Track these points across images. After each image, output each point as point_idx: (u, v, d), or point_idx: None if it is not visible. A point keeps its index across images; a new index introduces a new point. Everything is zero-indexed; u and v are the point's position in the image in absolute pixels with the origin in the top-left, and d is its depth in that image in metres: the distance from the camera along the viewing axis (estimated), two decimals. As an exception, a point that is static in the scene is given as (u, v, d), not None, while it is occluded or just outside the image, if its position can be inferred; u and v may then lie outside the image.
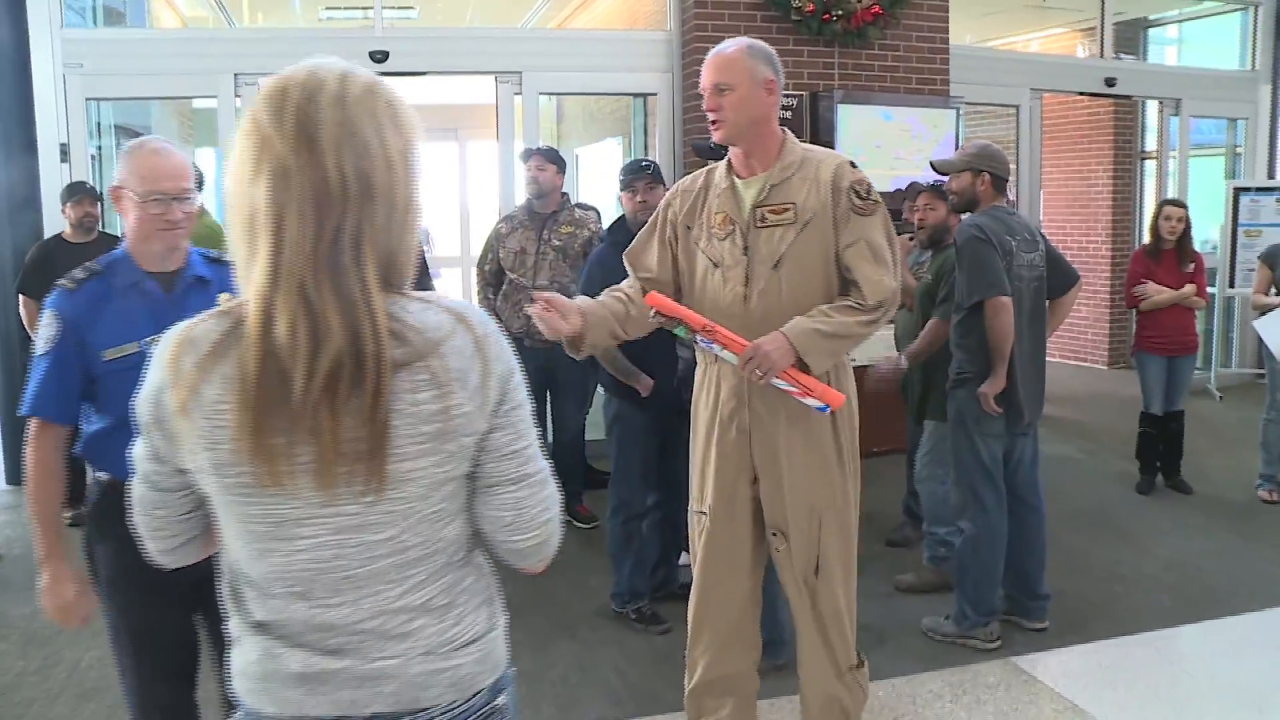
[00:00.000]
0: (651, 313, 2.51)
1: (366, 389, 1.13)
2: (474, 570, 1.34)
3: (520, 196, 5.22)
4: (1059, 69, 8.34)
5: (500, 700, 1.35)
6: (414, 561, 1.24)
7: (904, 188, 5.22)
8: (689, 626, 2.78)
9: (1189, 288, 5.49)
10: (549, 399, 5.15)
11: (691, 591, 2.76)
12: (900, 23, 6.53)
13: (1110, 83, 8.08)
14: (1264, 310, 5.33)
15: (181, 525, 1.30)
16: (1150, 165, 9.56)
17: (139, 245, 2.15)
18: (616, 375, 3.85)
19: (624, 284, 2.73)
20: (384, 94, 1.21)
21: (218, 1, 8.16)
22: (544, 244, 4.93)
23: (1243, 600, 4.13)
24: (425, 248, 12.21)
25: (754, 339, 2.43)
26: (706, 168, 2.72)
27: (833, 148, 5.62)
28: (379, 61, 6.02)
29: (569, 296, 2.56)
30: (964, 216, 3.85)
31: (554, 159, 5.02)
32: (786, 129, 2.63)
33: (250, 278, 1.15)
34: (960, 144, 6.27)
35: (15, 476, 5.70)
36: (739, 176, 2.60)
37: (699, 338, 2.47)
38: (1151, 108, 9.34)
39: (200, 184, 3.11)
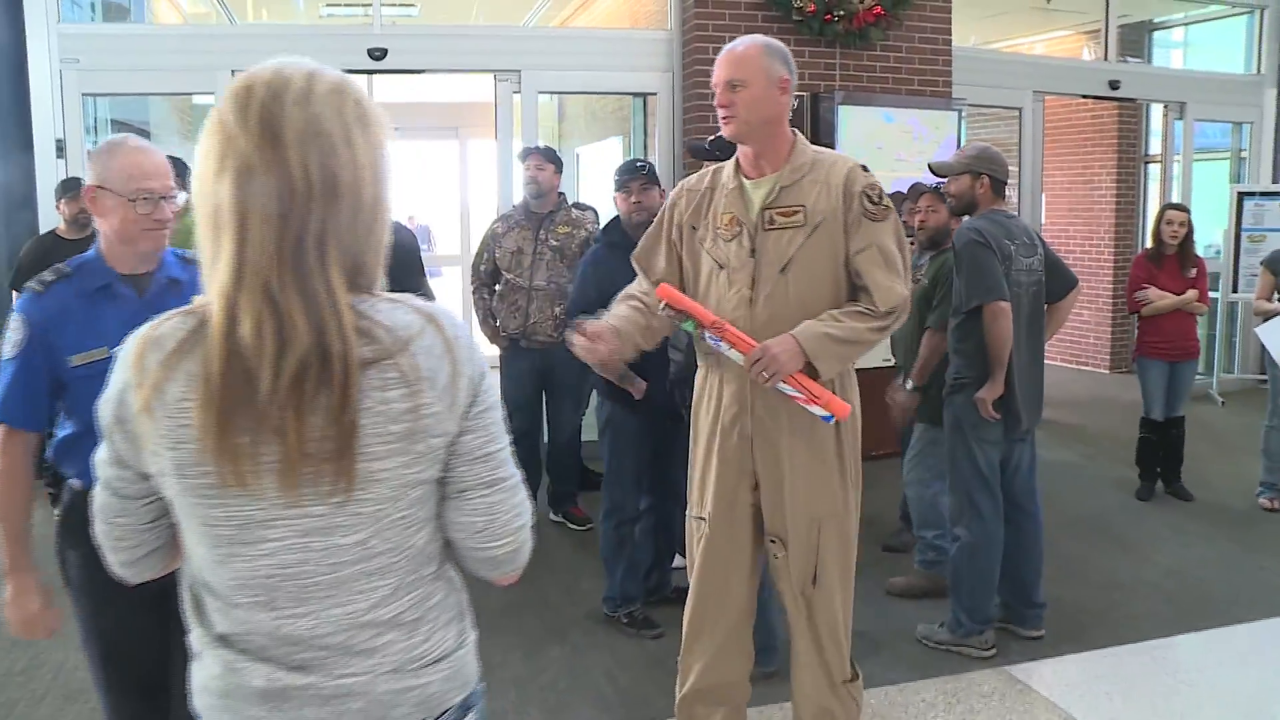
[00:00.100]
0: (661, 305, 2.46)
1: (334, 388, 1.11)
2: (444, 585, 1.31)
3: (519, 196, 5.18)
4: (1062, 71, 8.29)
5: (470, 718, 1.32)
6: (382, 570, 1.21)
7: (905, 189, 5.18)
8: (684, 632, 2.74)
9: (1191, 293, 5.45)
10: (545, 400, 5.13)
11: (688, 598, 2.72)
12: (902, 24, 6.49)
13: (1114, 85, 8.03)
14: (1267, 316, 5.29)
15: (144, 535, 1.26)
16: (1154, 169, 9.51)
17: (118, 247, 2.09)
18: (610, 378, 3.81)
19: (635, 287, 2.68)
20: (352, 93, 1.19)
21: (219, -2, 8.14)
22: (541, 244, 4.90)
23: (1243, 609, 4.09)
24: (425, 247, 12.24)
25: (761, 341, 2.39)
26: (713, 167, 2.67)
27: (833, 149, 5.58)
28: (377, 59, 6.00)
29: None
30: (963, 220, 3.81)
31: (552, 158, 4.99)
32: (797, 130, 2.58)
33: (214, 276, 1.13)
34: (962, 146, 6.23)
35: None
36: (747, 177, 2.55)
37: (707, 334, 2.41)
38: (1156, 111, 9.29)
39: (185, 178, 3.07)
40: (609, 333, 2.47)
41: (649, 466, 3.89)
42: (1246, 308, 7.89)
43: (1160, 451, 5.63)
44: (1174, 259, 5.51)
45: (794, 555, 2.56)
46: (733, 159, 2.59)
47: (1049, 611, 3.85)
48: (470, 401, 1.22)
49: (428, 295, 5.91)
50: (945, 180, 3.84)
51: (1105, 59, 8.33)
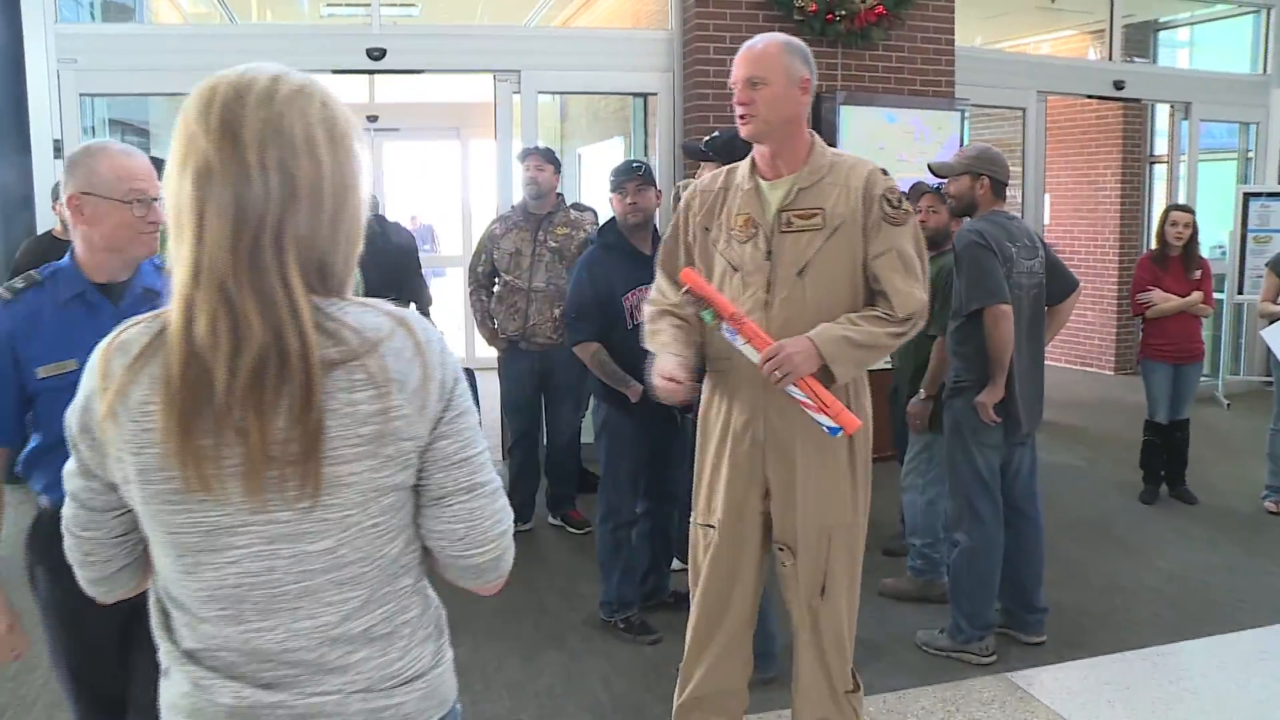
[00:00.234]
0: (684, 289, 2.40)
1: (295, 388, 1.09)
2: (420, 601, 1.28)
3: (518, 196, 5.15)
4: (1066, 71, 8.24)
5: None
6: (353, 580, 1.18)
7: (906, 190, 5.14)
8: (688, 640, 2.69)
9: (1195, 294, 5.40)
10: (544, 402, 5.10)
11: (693, 605, 2.68)
12: (905, 23, 6.45)
13: (1119, 86, 7.98)
14: (1272, 319, 5.24)
15: (114, 551, 1.24)
16: (1160, 170, 9.45)
17: (100, 255, 2.02)
18: (606, 381, 3.78)
19: (662, 299, 2.62)
20: (318, 94, 1.17)
21: (220, -2, 8.13)
22: (540, 245, 4.86)
23: (1247, 615, 4.04)
24: (427, 247, 12.23)
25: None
26: (726, 167, 2.61)
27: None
28: (376, 59, 5.97)
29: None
30: (963, 221, 3.77)
31: (551, 159, 4.96)
32: (814, 131, 2.53)
33: (176, 277, 1.12)
34: (963, 147, 6.18)
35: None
36: (764, 178, 2.49)
37: (725, 326, 2.35)
38: (1162, 111, 9.24)
39: None
40: (678, 367, 2.41)
41: (645, 470, 3.86)
42: (1252, 309, 7.83)
43: (1164, 454, 5.59)
44: (1178, 260, 5.46)
45: (803, 565, 2.52)
46: (748, 159, 2.54)
47: (1050, 617, 3.81)
48: (443, 406, 1.20)
49: (425, 296, 5.90)
50: (945, 181, 3.79)
51: (1110, 59, 8.27)
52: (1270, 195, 8.11)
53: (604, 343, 3.80)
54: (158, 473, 1.11)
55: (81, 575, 1.27)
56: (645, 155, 6.74)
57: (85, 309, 2.02)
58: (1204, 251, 5.68)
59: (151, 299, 1.96)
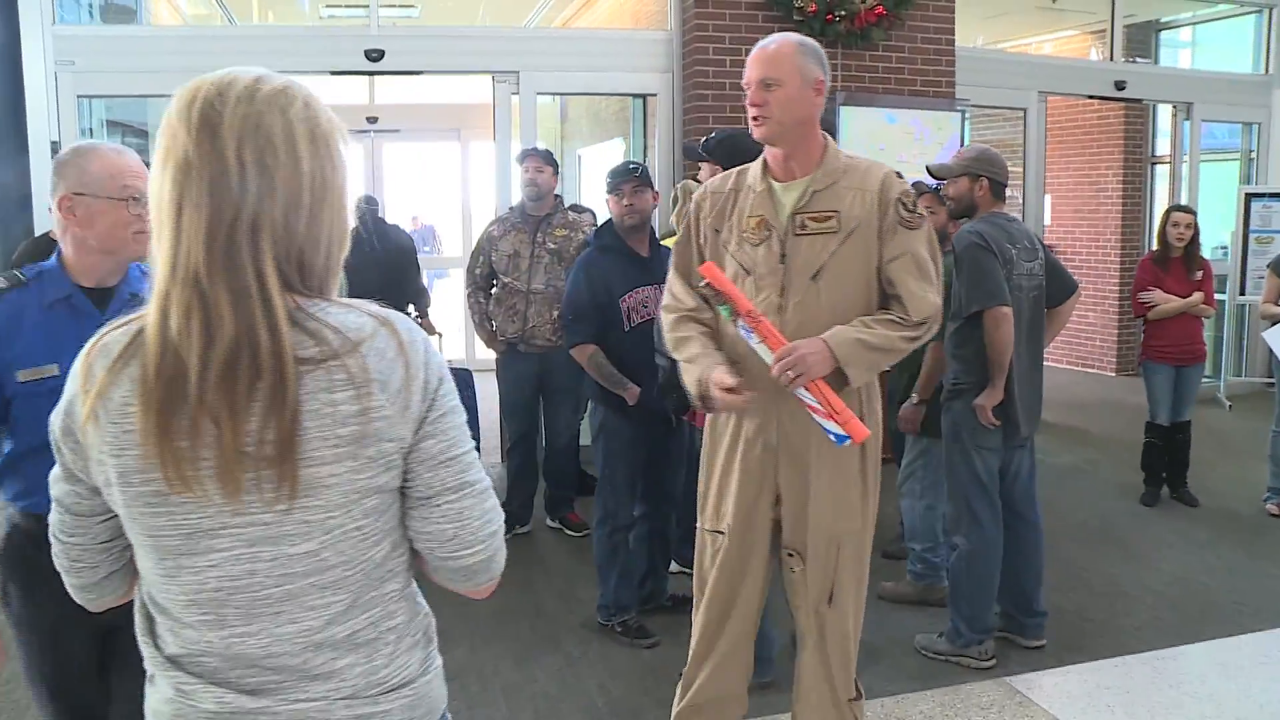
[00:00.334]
0: (703, 282, 2.37)
1: (267, 385, 1.08)
2: (408, 608, 1.27)
3: (517, 198, 5.13)
4: (1067, 72, 8.21)
5: None
6: (335, 584, 1.17)
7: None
8: (694, 645, 2.66)
9: (1196, 295, 5.38)
10: (542, 405, 5.08)
11: (699, 611, 2.64)
12: (905, 24, 6.42)
13: (1120, 86, 7.95)
14: (1274, 320, 5.22)
15: (100, 556, 1.24)
16: (1162, 170, 9.43)
17: (93, 257, 1.97)
18: (603, 383, 3.77)
19: (682, 308, 2.56)
20: (300, 95, 1.18)
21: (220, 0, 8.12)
22: (538, 247, 4.85)
23: (1249, 618, 4.02)
24: (426, 248, 12.23)
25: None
26: (737, 169, 2.58)
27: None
28: (374, 60, 5.95)
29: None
30: (962, 223, 3.75)
31: (550, 160, 4.95)
32: (827, 134, 2.50)
33: (155, 273, 1.13)
34: (962, 148, 6.16)
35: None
36: (776, 179, 2.46)
37: (741, 323, 2.32)
38: (1163, 112, 9.21)
39: None
40: (732, 374, 2.35)
41: (643, 473, 3.84)
42: (1254, 310, 7.81)
43: (1166, 456, 5.56)
44: (1179, 261, 5.44)
45: (811, 572, 2.49)
46: (759, 160, 2.50)
47: (1050, 620, 3.79)
48: (427, 406, 1.19)
49: (424, 297, 5.89)
50: (944, 182, 3.77)
51: (1111, 59, 8.25)
52: (1272, 196, 8.08)
53: (601, 345, 3.78)
54: (137, 475, 1.11)
55: (69, 582, 1.27)
56: (645, 156, 6.73)
57: (70, 313, 1.97)
58: (1206, 252, 5.66)
59: (139, 306, 1.99)
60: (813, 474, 2.45)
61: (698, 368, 2.44)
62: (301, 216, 1.15)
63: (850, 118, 6.20)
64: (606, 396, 3.78)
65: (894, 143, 6.30)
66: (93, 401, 1.12)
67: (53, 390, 1.65)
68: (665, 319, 2.61)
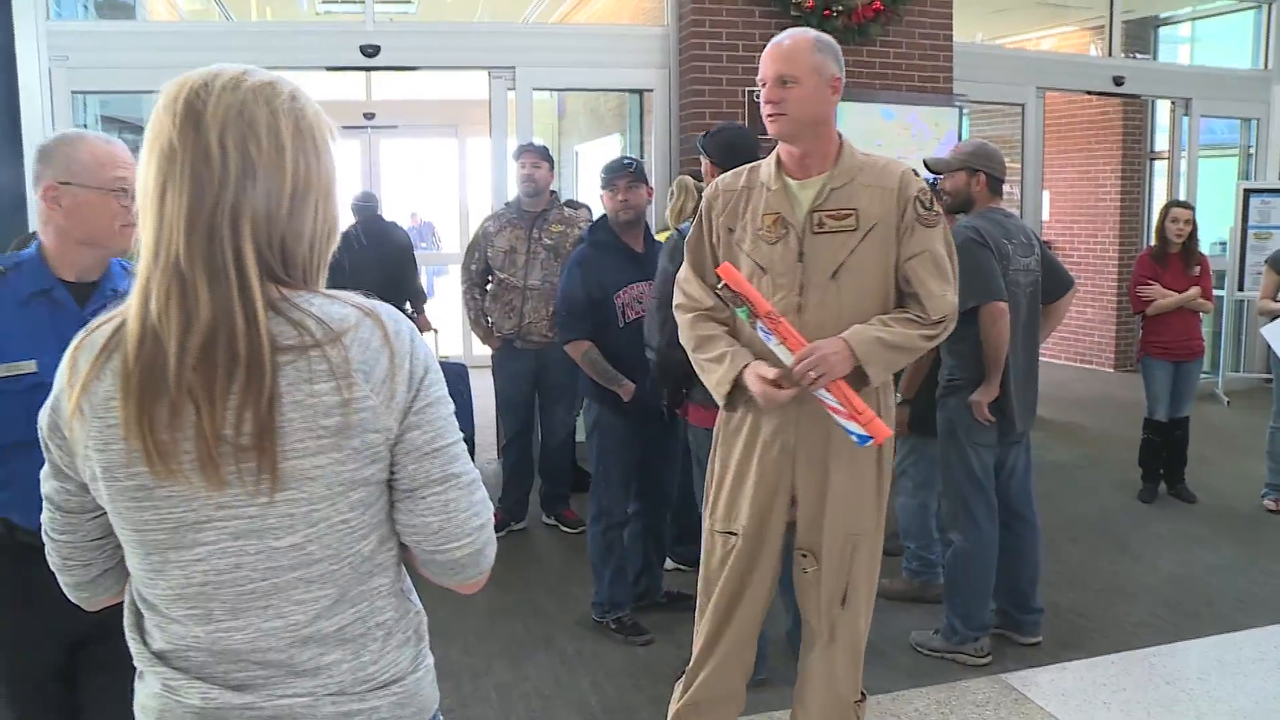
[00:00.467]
0: (720, 284, 2.33)
1: (243, 370, 1.08)
2: (397, 604, 1.26)
3: (514, 194, 5.12)
4: (1066, 67, 8.20)
5: None
6: (322, 578, 1.17)
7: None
8: (698, 645, 2.63)
9: (1194, 290, 5.36)
10: (538, 401, 5.06)
11: (706, 611, 2.60)
12: (902, 19, 6.40)
13: (1118, 81, 7.93)
14: (1272, 316, 5.20)
15: (92, 554, 1.25)
16: (1160, 166, 9.41)
17: (75, 250, 1.91)
18: (598, 380, 3.75)
19: (690, 299, 2.52)
20: (286, 88, 1.18)
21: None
22: (535, 243, 4.83)
23: (1246, 616, 4.00)
24: (422, 244, 12.21)
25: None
26: (748, 165, 2.54)
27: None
28: (370, 56, 5.93)
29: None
30: (959, 218, 3.73)
31: (546, 156, 4.93)
32: (840, 131, 2.46)
33: (140, 260, 1.14)
34: (959, 143, 6.15)
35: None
36: (792, 177, 2.42)
37: (760, 324, 2.29)
38: (1162, 107, 9.19)
39: None
40: (770, 369, 2.32)
41: (637, 470, 3.82)
42: (1252, 306, 7.79)
43: (1164, 452, 5.55)
44: (1178, 257, 5.42)
45: (826, 572, 2.47)
46: (772, 156, 2.46)
47: (1047, 617, 3.78)
48: (412, 396, 1.18)
49: (421, 292, 5.88)
50: (941, 177, 3.76)
51: (1110, 55, 8.23)
52: (1271, 191, 8.07)
53: (596, 341, 3.76)
54: (122, 469, 1.11)
55: (63, 580, 1.28)
56: (642, 152, 6.71)
57: (49, 307, 1.90)
58: (1204, 248, 5.66)
59: (121, 303, 1.93)
60: (831, 475, 2.42)
61: (727, 365, 2.39)
62: (284, 205, 1.15)
63: (847, 113, 6.17)
64: (601, 393, 3.76)
65: (891, 139, 6.28)
66: (77, 396, 1.12)
67: (30, 388, 1.63)
68: (683, 318, 2.55)
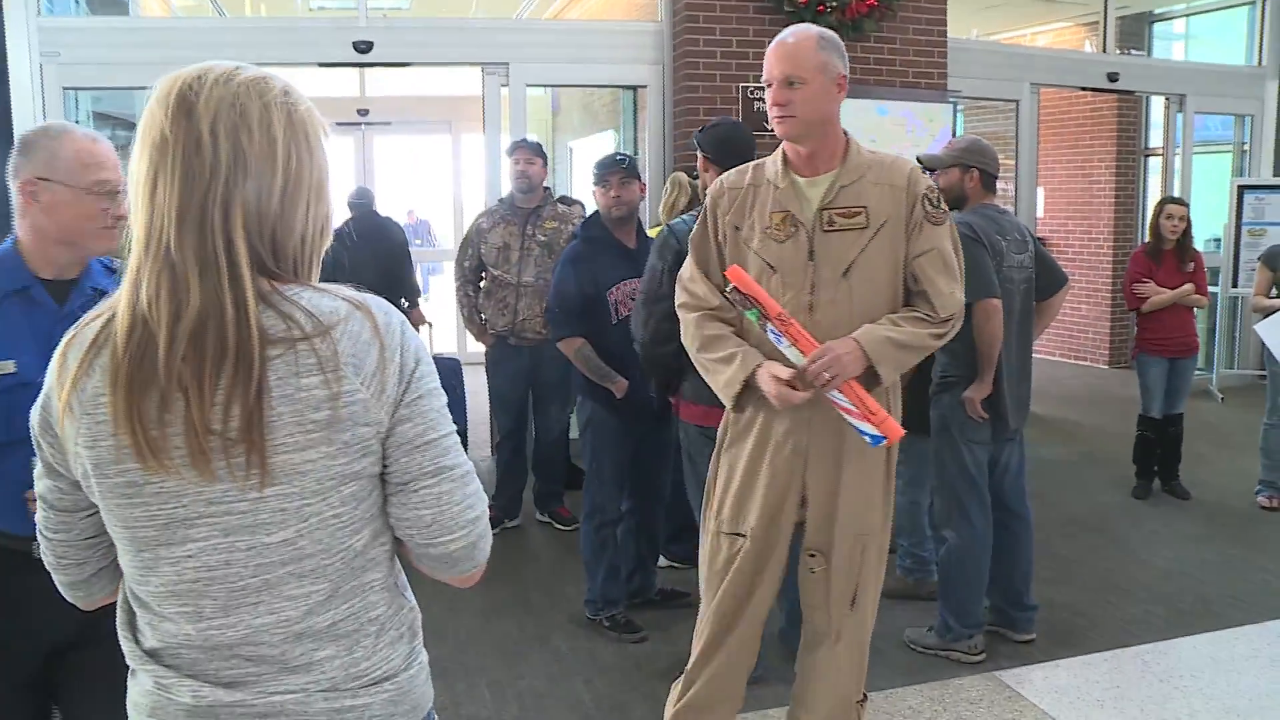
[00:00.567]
0: (729, 287, 2.30)
1: (231, 359, 1.08)
2: (391, 599, 1.25)
3: (507, 190, 5.10)
4: (1060, 63, 8.20)
5: None
6: (314, 573, 1.16)
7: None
8: (700, 647, 2.59)
9: (1188, 286, 5.36)
10: (532, 398, 5.05)
11: (707, 614, 2.58)
12: (896, 15, 6.39)
13: (1113, 78, 7.93)
14: (1265, 313, 5.20)
15: (86, 553, 1.25)
16: (1154, 162, 9.42)
17: (52, 249, 1.85)
18: (591, 376, 3.74)
19: (694, 297, 2.48)
20: (279, 84, 1.19)
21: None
22: (528, 239, 4.82)
23: (1240, 612, 4.00)
24: (418, 242, 12.19)
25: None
26: (754, 163, 2.51)
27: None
28: (363, 52, 5.91)
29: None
30: (952, 215, 3.72)
31: (540, 153, 4.93)
32: (845, 128, 2.44)
33: (131, 251, 1.14)
34: (952, 139, 6.14)
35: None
36: (799, 175, 2.39)
37: (770, 327, 2.26)
38: (1157, 104, 9.20)
39: None
40: (784, 369, 2.29)
41: (630, 467, 3.81)
42: (1246, 303, 7.80)
43: (1158, 449, 5.55)
44: (1172, 254, 5.42)
45: (835, 572, 2.45)
46: (777, 154, 2.44)
47: (1041, 614, 3.76)
48: (403, 389, 1.18)
49: (415, 287, 5.87)
50: (934, 173, 3.75)
51: (1104, 51, 8.23)
52: (1265, 188, 8.07)
53: (589, 338, 3.75)
54: (112, 465, 1.11)
55: (58, 579, 1.29)
56: (636, 148, 6.69)
57: (26, 306, 1.84)
58: (1198, 245, 5.66)
59: (103, 300, 1.87)
60: (844, 475, 2.40)
61: (738, 365, 2.35)
62: (275, 197, 1.15)
63: (841, 109, 6.15)
64: (594, 390, 3.75)
65: (885, 134, 6.26)
66: (67, 393, 1.12)
67: (8, 389, 1.60)
68: (687, 317, 2.50)
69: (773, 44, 2.38)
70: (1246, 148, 8.89)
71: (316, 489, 1.13)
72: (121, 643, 1.22)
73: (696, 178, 3.77)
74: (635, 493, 3.88)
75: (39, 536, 1.26)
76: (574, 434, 5.15)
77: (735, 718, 2.73)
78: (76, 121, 6.06)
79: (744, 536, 2.48)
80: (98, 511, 1.19)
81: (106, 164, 1.85)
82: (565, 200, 5.15)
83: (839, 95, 2.37)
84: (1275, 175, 8.55)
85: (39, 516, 1.25)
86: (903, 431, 2.27)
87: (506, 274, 4.83)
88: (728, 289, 2.32)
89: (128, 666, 1.23)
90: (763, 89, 2.42)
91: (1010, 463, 3.68)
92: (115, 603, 1.27)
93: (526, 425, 5.15)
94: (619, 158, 3.82)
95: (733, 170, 2.54)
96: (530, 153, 4.85)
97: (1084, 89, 8.25)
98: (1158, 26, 9.79)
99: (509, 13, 8.56)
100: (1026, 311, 3.64)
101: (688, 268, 2.54)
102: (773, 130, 2.41)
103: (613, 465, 3.77)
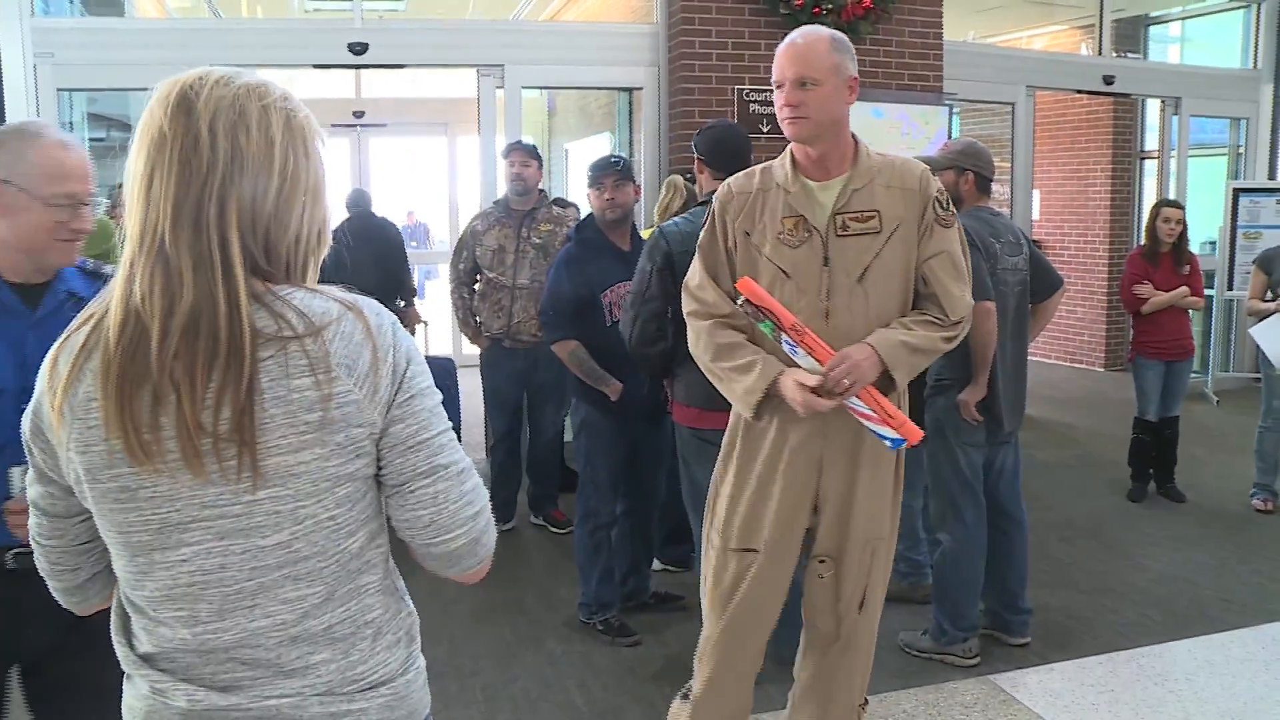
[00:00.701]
0: (741, 300, 2.26)
1: (223, 356, 1.08)
2: (387, 603, 1.25)
3: (502, 193, 5.09)
4: (1056, 66, 8.20)
5: None
6: (309, 575, 1.16)
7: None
8: (710, 671, 2.54)
9: (1184, 289, 5.36)
10: (527, 401, 5.04)
11: (716, 634, 2.52)
12: (892, 17, 6.39)
13: (1108, 81, 7.93)
14: (1260, 316, 5.21)
15: (80, 559, 1.25)
16: (1150, 165, 9.43)
17: (14, 255, 1.76)
18: (585, 379, 3.73)
19: (702, 305, 2.42)
20: (278, 90, 1.20)
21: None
22: (523, 242, 4.81)
23: (1235, 615, 4.00)
24: (414, 244, 12.18)
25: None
26: (760, 166, 2.47)
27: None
28: (358, 54, 5.90)
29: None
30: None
31: (535, 155, 4.92)
32: (854, 131, 2.41)
33: (126, 247, 1.14)
34: (947, 142, 6.14)
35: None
36: (809, 178, 2.36)
37: (785, 337, 2.23)
38: (1152, 106, 9.21)
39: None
40: (808, 376, 2.25)
41: (625, 470, 3.80)
42: (1241, 306, 7.81)
43: (1153, 452, 5.55)
44: (1169, 256, 5.42)
45: (845, 577, 2.43)
46: (785, 157, 2.40)
47: (1036, 617, 3.77)
48: (395, 389, 1.18)
49: (411, 289, 5.86)
50: (929, 176, 3.74)
51: (1100, 54, 8.24)
52: (1260, 191, 8.08)
53: (583, 340, 3.74)
54: (104, 470, 1.11)
55: (52, 586, 1.28)
56: (631, 151, 6.69)
57: None
58: (1194, 248, 5.65)
59: (75, 306, 1.68)
60: (858, 480, 2.38)
61: (758, 374, 2.29)
62: (270, 197, 1.15)
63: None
64: (588, 393, 3.74)
65: (881, 137, 6.26)
66: (59, 398, 1.12)
67: None
68: (698, 325, 2.42)
69: (783, 45, 2.35)
70: (1242, 151, 8.91)
71: (311, 491, 1.13)
72: (116, 648, 1.22)
73: (692, 180, 3.77)
74: (629, 496, 3.87)
75: (32, 543, 1.26)
76: (569, 437, 5.14)
77: None
78: (70, 123, 6.04)
79: (756, 552, 2.43)
80: (91, 517, 1.18)
81: (73, 175, 1.75)
82: (560, 202, 5.14)
83: (850, 98, 2.34)
84: (1270, 178, 8.57)
85: (32, 523, 1.25)
86: (922, 433, 2.25)
87: (501, 276, 4.82)
88: (740, 302, 2.28)
89: (111, 676, 1.23)
90: (759, 91, 2.41)
91: (1005, 465, 3.68)
92: (95, 613, 1.27)
93: (521, 428, 5.14)
94: (614, 160, 3.81)
95: (739, 174, 2.49)
96: (525, 155, 4.85)
97: (1080, 92, 8.26)
98: (1153, 29, 9.80)
99: (504, 14, 8.56)
100: (1021, 314, 3.64)
101: (695, 274, 2.47)
102: (768, 132, 2.40)
103: (607, 468, 3.76)
